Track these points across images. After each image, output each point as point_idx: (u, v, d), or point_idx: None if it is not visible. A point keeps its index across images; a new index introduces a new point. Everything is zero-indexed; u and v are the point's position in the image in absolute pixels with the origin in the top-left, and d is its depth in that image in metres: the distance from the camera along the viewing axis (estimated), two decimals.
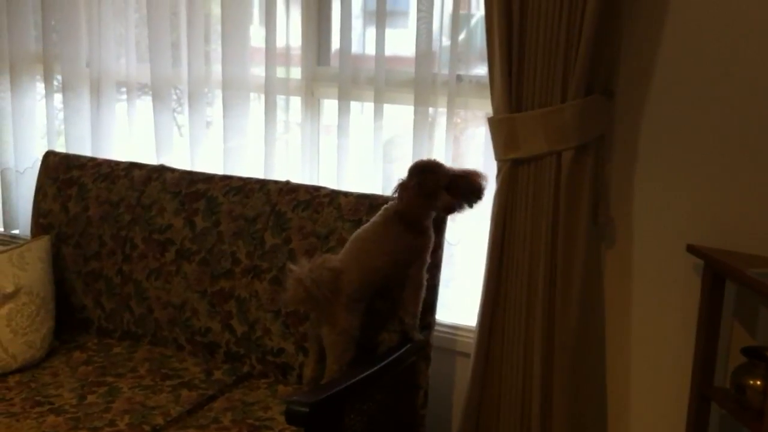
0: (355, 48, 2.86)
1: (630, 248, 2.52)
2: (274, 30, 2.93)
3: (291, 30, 2.98)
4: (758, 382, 2.18)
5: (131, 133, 3.32)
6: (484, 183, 2.34)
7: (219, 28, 3.02)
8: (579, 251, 2.42)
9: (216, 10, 3.05)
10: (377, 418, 2.38)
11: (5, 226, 3.63)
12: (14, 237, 3.54)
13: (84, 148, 3.34)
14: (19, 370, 2.65)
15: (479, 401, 2.60)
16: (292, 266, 2.32)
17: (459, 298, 2.86)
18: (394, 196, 2.46)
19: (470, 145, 2.82)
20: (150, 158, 3.16)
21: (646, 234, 2.49)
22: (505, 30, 2.38)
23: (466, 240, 2.79)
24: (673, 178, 2.43)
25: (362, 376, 2.19)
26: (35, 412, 2.38)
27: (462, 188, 2.32)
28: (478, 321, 2.57)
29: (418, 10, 2.67)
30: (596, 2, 2.25)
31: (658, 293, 2.50)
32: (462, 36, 2.72)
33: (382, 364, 2.28)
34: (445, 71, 2.73)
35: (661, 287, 2.49)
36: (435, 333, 2.74)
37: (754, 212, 2.35)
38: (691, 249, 2.36)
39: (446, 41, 2.73)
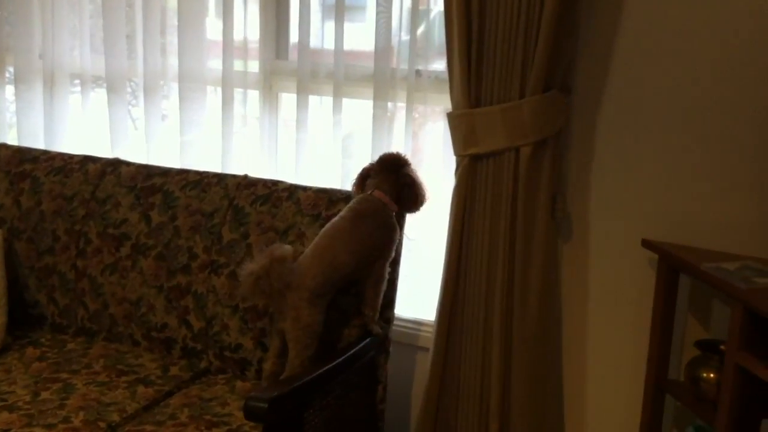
0: (314, 42, 2.86)
1: (587, 243, 2.54)
2: (232, 23, 2.91)
3: (249, 23, 2.96)
4: (711, 375, 2.22)
5: (85, 126, 3.27)
6: (426, 198, 2.46)
7: (175, 20, 2.98)
8: (537, 246, 2.44)
9: (172, 2, 3.02)
10: (337, 413, 2.37)
11: None
12: None
13: (37, 142, 3.29)
14: None
15: (438, 395, 2.61)
16: (247, 261, 2.32)
17: (421, 293, 2.86)
18: (355, 188, 2.48)
19: (429, 140, 2.82)
20: (105, 152, 3.11)
21: (602, 229, 2.52)
22: (464, 26, 2.38)
23: (427, 235, 2.80)
24: (629, 174, 2.46)
25: (322, 370, 2.19)
26: None
27: (406, 195, 2.41)
28: (436, 315, 2.58)
29: (377, 5, 2.67)
30: (553, 5, 2.27)
31: (614, 287, 2.53)
32: (421, 31, 2.73)
33: (343, 358, 2.27)
34: (404, 66, 2.73)
35: (617, 281, 2.52)
36: (397, 328, 2.77)
37: (707, 208, 2.39)
38: (646, 244, 2.39)
39: (405, 36, 2.73)
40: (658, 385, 2.40)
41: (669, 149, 2.40)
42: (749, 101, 2.29)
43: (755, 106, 2.28)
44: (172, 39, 3.04)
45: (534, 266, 2.44)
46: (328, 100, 2.83)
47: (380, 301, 2.43)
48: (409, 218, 2.56)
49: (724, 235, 2.35)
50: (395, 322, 2.75)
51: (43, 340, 2.81)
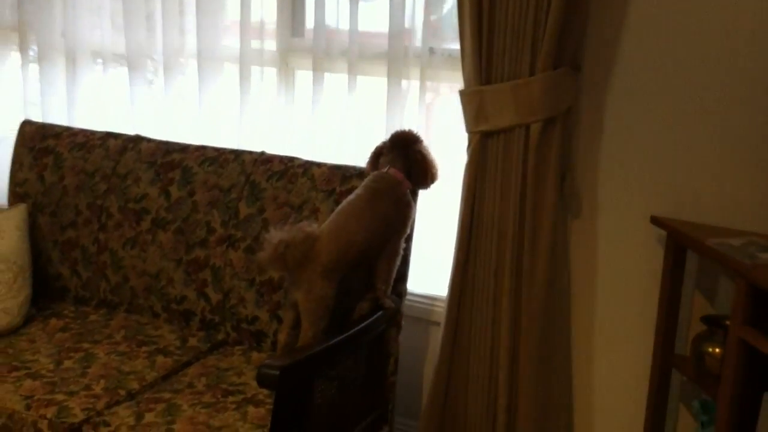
0: (331, 21, 2.89)
1: (596, 219, 2.58)
2: (249, 2, 2.95)
3: (266, 2, 3.00)
4: (716, 350, 2.25)
5: (107, 103, 3.34)
6: (437, 175, 2.50)
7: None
8: (546, 222, 2.47)
9: None
10: (349, 384, 2.44)
11: None
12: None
13: (60, 118, 3.35)
14: (1, 336, 2.69)
15: (448, 369, 2.66)
16: (271, 229, 2.38)
17: (436, 269, 2.89)
18: (369, 165, 2.53)
19: (442, 118, 2.85)
20: (125, 128, 3.17)
21: (611, 206, 2.55)
22: (476, 4, 2.41)
23: (442, 211, 2.83)
24: (638, 151, 2.49)
25: (333, 342, 2.25)
26: (12, 377, 2.42)
27: (418, 172, 2.46)
28: (448, 290, 2.63)
29: None
30: None
31: (623, 263, 2.56)
32: (434, 9, 2.76)
33: (354, 330, 2.32)
34: (418, 44, 2.76)
35: (626, 258, 2.55)
36: (413, 304, 2.83)
37: (716, 185, 2.41)
38: (655, 220, 2.42)
39: (419, 15, 2.76)
40: (664, 359, 2.44)
41: (677, 127, 2.42)
42: (760, 78, 2.30)
43: (763, 86, 2.29)
44: (191, 18, 3.08)
45: (542, 242, 2.48)
46: (343, 78, 2.87)
47: (393, 275, 2.48)
48: (426, 194, 2.61)
49: (733, 212, 2.37)
50: (411, 298, 2.82)
51: (66, 311, 2.90)
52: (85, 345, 2.63)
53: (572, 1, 2.34)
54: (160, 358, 2.57)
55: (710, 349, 2.28)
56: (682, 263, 2.39)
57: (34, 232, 2.99)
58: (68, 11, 3.28)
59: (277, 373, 1.99)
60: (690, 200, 2.43)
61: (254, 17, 2.99)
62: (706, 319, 2.33)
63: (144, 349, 2.62)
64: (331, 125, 2.95)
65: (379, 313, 2.46)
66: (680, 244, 2.36)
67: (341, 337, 2.27)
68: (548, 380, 2.58)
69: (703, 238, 2.22)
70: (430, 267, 2.89)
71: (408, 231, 2.48)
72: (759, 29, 2.29)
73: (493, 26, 2.43)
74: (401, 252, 2.48)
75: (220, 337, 2.73)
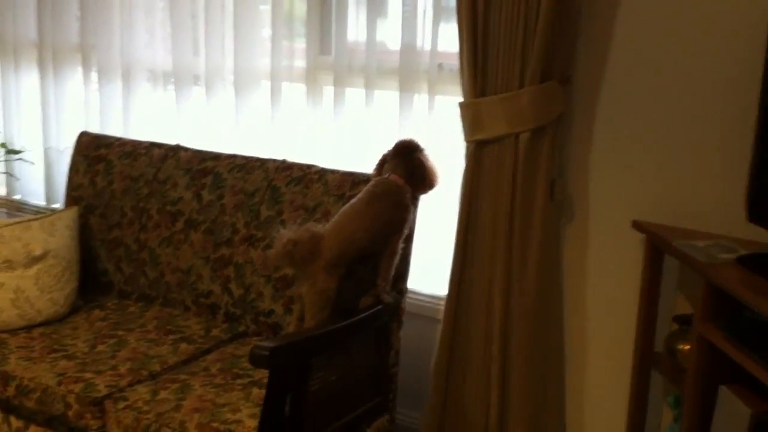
0: (353, 37, 3.13)
1: (586, 223, 2.73)
2: (280, 26, 3.25)
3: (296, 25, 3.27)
4: (686, 346, 2.38)
5: (157, 116, 3.66)
6: (436, 181, 2.68)
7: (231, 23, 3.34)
8: (536, 225, 2.64)
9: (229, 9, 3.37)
10: (351, 372, 2.64)
11: (48, 200, 4.00)
12: (54, 211, 3.91)
13: (117, 129, 3.68)
14: (44, 324, 3.00)
15: (448, 364, 2.84)
16: (281, 228, 2.61)
17: (441, 270, 3.07)
18: (375, 172, 2.74)
19: (448, 128, 3.03)
20: (172, 138, 3.46)
21: (600, 210, 2.70)
22: (471, 23, 2.61)
23: (446, 215, 3.01)
24: (624, 158, 2.64)
25: (325, 329, 2.46)
26: (50, 358, 2.72)
27: (417, 178, 2.64)
28: (447, 288, 2.81)
29: (404, 4, 2.93)
30: (550, 3, 2.47)
31: (610, 265, 2.71)
32: (443, 27, 2.97)
33: (349, 321, 2.53)
34: (427, 60, 2.98)
35: (614, 259, 2.70)
36: (418, 302, 3.03)
37: (696, 191, 2.54)
38: (636, 224, 2.56)
39: (429, 33, 2.98)
40: (644, 357, 2.57)
41: (661, 136, 2.57)
42: (736, 92, 2.42)
43: (740, 99, 2.40)
44: (230, 40, 3.38)
45: (532, 245, 2.64)
46: (362, 92, 3.10)
47: (392, 273, 2.67)
48: (434, 198, 2.82)
49: (710, 217, 2.49)
50: (418, 297, 3.03)
51: (109, 303, 3.20)
52: (120, 332, 2.92)
53: (560, 20, 2.51)
54: (183, 345, 2.83)
55: (681, 346, 2.41)
56: (659, 265, 2.52)
57: (85, 231, 3.31)
58: (125, 34, 3.62)
59: (267, 353, 2.21)
60: (671, 205, 2.56)
61: (285, 38, 3.26)
62: (679, 318, 2.45)
63: (171, 337, 2.89)
64: (351, 135, 3.18)
65: (380, 307, 2.66)
66: (657, 246, 2.49)
67: (334, 326, 2.48)
68: (540, 376, 2.73)
69: (672, 239, 2.36)
70: (438, 268, 3.07)
71: (406, 232, 2.67)
72: (739, 46, 2.41)
73: (487, 43, 2.62)
74: (399, 251, 2.67)
75: (242, 328, 2.97)
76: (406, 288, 2.80)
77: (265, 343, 2.26)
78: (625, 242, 2.66)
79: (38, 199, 4.06)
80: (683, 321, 2.43)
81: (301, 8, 3.26)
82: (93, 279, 3.31)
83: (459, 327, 2.81)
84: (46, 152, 3.96)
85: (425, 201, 2.80)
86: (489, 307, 2.73)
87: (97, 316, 3.08)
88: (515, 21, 2.55)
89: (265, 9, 3.30)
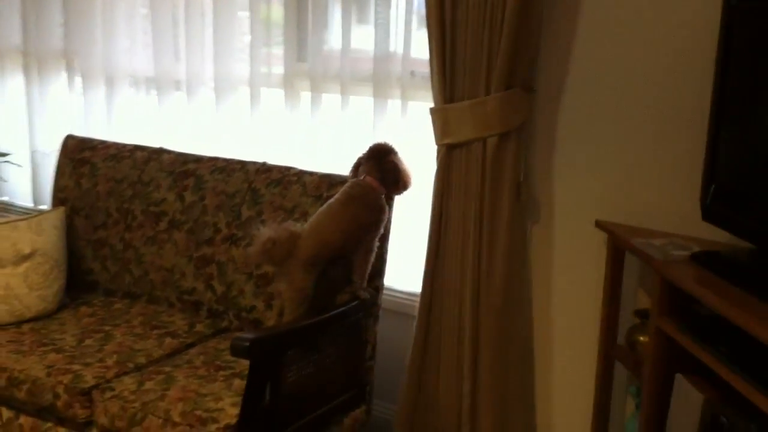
0: (331, 45, 3.27)
1: (552, 223, 2.88)
2: (259, 34, 3.38)
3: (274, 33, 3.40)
4: (646, 339, 2.52)
5: (139, 120, 3.77)
6: (408, 182, 2.81)
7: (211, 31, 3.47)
8: (503, 225, 2.78)
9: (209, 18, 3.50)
10: (328, 365, 2.76)
11: (35, 201, 4.11)
12: (41, 212, 4.01)
13: (100, 133, 3.78)
14: (33, 320, 3.11)
15: (422, 357, 2.97)
16: (260, 227, 2.74)
17: (419, 268, 3.21)
18: (351, 174, 2.87)
19: (419, 132, 3.17)
20: (154, 141, 3.58)
21: (565, 211, 2.85)
22: (440, 34, 2.75)
23: (423, 215, 3.14)
24: (587, 161, 2.79)
25: (301, 323, 2.59)
26: (40, 351, 2.83)
27: (390, 180, 2.78)
28: (421, 286, 2.95)
29: (376, 14, 3.07)
30: (513, 16, 2.61)
31: (575, 263, 2.86)
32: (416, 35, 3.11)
33: (324, 316, 2.66)
34: (400, 68, 3.12)
35: (578, 257, 2.85)
36: (397, 299, 3.16)
37: (655, 193, 2.69)
38: (598, 224, 2.71)
39: (401, 41, 3.12)
40: (607, 350, 2.72)
41: (621, 141, 2.72)
42: (690, 98, 2.58)
43: (694, 107, 2.55)
44: (209, 47, 3.50)
45: (500, 244, 2.78)
46: (337, 98, 3.24)
47: (368, 270, 2.81)
48: (412, 199, 2.97)
49: (668, 217, 2.64)
50: (396, 295, 3.17)
51: (95, 301, 3.32)
52: (106, 327, 3.04)
53: (523, 30, 2.66)
54: (168, 340, 2.95)
55: (641, 339, 2.55)
56: (621, 262, 2.67)
57: (71, 232, 3.42)
58: (107, 40, 3.73)
59: (248, 344, 2.34)
60: (633, 206, 2.71)
61: (264, 45, 3.39)
62: (639, 313, 2.60)
63: (156, 332, 3.01)
64: (327, 138, 3.31)
65: (355, 303, 2.79)
66: (618, 245, 2.64)
67: (310, 321, 2.62)
68: (509, 368, 2.87)
69: (631, 238, 2.50)
70: (415, 266, 3.20)
71: (381, 231, 2.80)
72: (691, 57, 2.57)
73: (455, 51, 2.76)
74: (375, 250, 2.80)
75: (224, 324, 3.10)
76: (383, 285, 2.93)
77: (246, 335, 2.39)
78: (589, 241, 2.81)
79: (25, 201, 4.16)
80: (643, 315, 2.57)
81: (278, 15, 3.39)
82: (79, 278, 3.43)
83: (432, 322, 2.94)
84: (33, 155, 4.06)
85: (404, 201, 2.95)
86: (460, 303, 2.86)
87: (85, 312, 3.19)
88: (481, 31, 2.69)
89: (244, 15, 3.43)
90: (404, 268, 3.21)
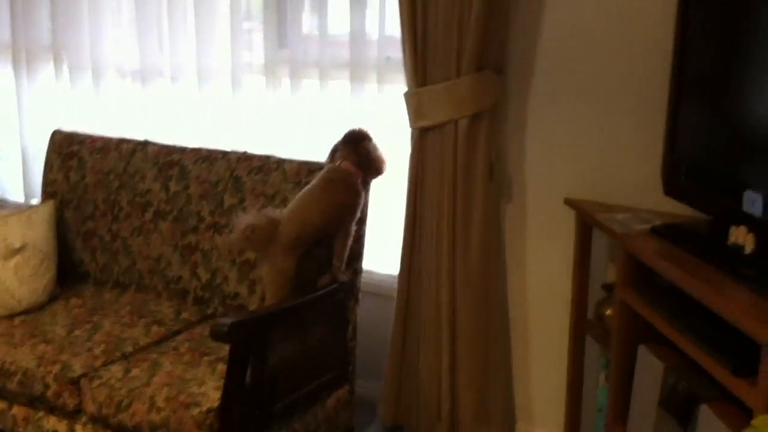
0: (312, 31, 3.34)
1: (524, 202, 2.94)
2: (240, 22, 3.45)
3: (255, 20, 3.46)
4: (611, 311, 2.59)
5: (125, 110, 3.84)
6: (382, 167, 2.86)
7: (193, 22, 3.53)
8: (477, 204, 2.84)
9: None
10: (313, 346, 2.84)
11: (26, 196, 4.18)
12: (31, 207, 4.09)
13: (87, 125, 3.85)
14: (25, 312, 3.19)
15: (403, 337, 3.05)
16: (240, 213, 2.81)
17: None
18: (328, 160, 2.93)
19: (395, 116, 3.22)
20: (140, 132, 3.65)
21: (536, 190, 2.91)
22: (411, 18, 2.81)
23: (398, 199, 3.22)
24: (556, 141, 2.84)
25: (281, 306, 2.67)
26: (30, 342, 2.91)
27: (366, 165, 2.84)
28: (399, 267, 3.02)
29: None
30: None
31: (547, 239, 2.92)
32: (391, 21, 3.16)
33: (305, 299, 2.73)
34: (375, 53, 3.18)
35: (550, 234, 2.91)
36: (381, 282, 3.23)
37: (621, 170, 2.75)
38: (567, 201, 2.77)
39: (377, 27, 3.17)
40: (578, 323, 2.79)
41: (589, 121, 2.78)
42: (649, 84, 2.63)
43: (654, 88, 2.61)
44: (192, 37, 3.56)
45: (474, 222, 2.85)
46: (316, 83, 3.30)
47: (346, 252, 2.87)
48: (386, 183, 3.02)
49: (635, 193, 2.70)
50: (380, 277, 3.24)
51: (86, 292, 3.39)
52: (95, 318, 3.11)
53: (493, 12, 2.71)
54: (155, 328, 3.03)
55: (607, 312, 2.62)
56: (589, 238, 2.74)
57: (61, 224, 3.50)
58: (94, 33, 3.80)
59: (226, 328, 2.42)
60: (600, 184, 2.77)
61: (244, 34, 3.45)
62: (606, 287, 2.67)
63: (143, 320, 3.09)
64: (307, 125, 3.38)
65: (335, 285, 2.86)
66: (585, 220, 2.70)
67: (289, 304, 2.69)
68: (486, 343, 2.94)
69: (593, 212, 2.57)
70: (395, 248, 3.27)
71: (358, 215, 2.87)
72: (652, 40, 2.62)
73: (427, 34, 2.81)
74: (352, 233, 2.87)
75: (210, 311, 3.17)
76: (361, 267, 3.00)
77: (225, 320, 2.46)
78: (560, 219, 2.87)
79: (16, 196, 4.24)
80: (609, 289, 2.64)
81: (258, 4, 3.46)
82: (70, 269, 3.51)
83: (411, 302, 3.02)
84: (24, 151, 4.13)
85: (382, 185, 3.01)
86: (437, 282, 2.93)
87: (75, 303, 3.27)
88: (450, 15, 2.74)
89: (224, 4, 3.49)
90: (385, 250, 3.27)
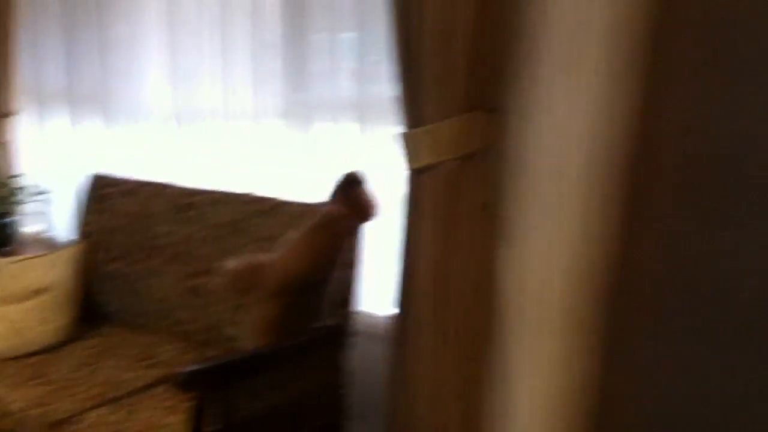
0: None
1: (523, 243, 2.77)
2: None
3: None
4: None
5: (161, 154, 3.92)
6: (370, 212, 2.82)
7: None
8: (469, 248, 2.70)
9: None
10: (298, 395, 2.77)
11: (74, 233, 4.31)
12: (58, 248, 4.18)
13: (126, 169, 3.94)
14: (40, 353, 3.24)
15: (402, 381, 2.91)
16: (226, 262, 2.79)
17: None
18: (323, 203, 2.88)
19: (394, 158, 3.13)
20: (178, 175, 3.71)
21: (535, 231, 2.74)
22: (401, 62, 2.72)
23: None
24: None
25: (252, 353, 2.62)
26: (31, 384, 2.95)
27: (357, 209, 2.80)
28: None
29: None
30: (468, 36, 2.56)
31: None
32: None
33: (281, 346, 2.67)
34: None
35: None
36: (373, 324, 3.13)
37: None
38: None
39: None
40: None
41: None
42: None
43: None
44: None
45: (469, 267, 2.70)
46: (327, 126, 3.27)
47: (338, 298, 2.80)
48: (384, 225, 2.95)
49: None
50: (372, 319, 3.14)
51: (104, 333, 3.44)
52: (102, 359, 3.14)
53: (478, 54, 2.59)
54: (154, 370, 3.02)
55: None
56: None
57: (90, 265, 3.58)
58: (134, 82, 3.93)
59: (182, 378, 2.38)
60: None
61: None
62: None
63: (145, 362, 3.09)
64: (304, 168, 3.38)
65: (323, 331, 2.78)
66: None
67: (259, 351, 2.64)
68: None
69: None
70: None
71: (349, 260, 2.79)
72: None
73: (420, 74, 2.71)
74: (345, 278, 2.79)
75: (211, 353, 3.14)
76: (355, 312, 2.91)
77: (186, 369, 2.43)
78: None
79: (65, 232, 4.37)
80: None
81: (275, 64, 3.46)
82: (96, 310, 3.58)
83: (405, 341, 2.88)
84: (73, 192, 4.26)
85: (378, 226, 2.93)
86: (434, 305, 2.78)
87: (90, 344, 3.31)
88: (440, 55, 2.64)
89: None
90: (379, 293, 3.17)
